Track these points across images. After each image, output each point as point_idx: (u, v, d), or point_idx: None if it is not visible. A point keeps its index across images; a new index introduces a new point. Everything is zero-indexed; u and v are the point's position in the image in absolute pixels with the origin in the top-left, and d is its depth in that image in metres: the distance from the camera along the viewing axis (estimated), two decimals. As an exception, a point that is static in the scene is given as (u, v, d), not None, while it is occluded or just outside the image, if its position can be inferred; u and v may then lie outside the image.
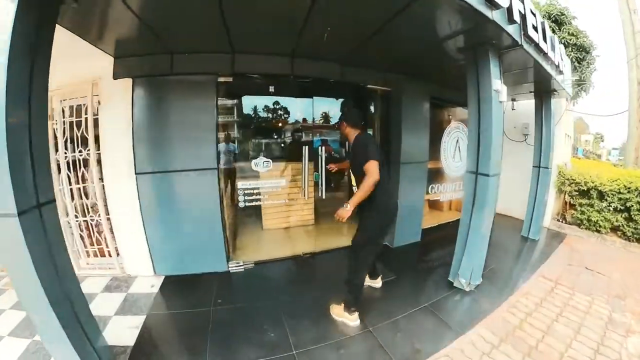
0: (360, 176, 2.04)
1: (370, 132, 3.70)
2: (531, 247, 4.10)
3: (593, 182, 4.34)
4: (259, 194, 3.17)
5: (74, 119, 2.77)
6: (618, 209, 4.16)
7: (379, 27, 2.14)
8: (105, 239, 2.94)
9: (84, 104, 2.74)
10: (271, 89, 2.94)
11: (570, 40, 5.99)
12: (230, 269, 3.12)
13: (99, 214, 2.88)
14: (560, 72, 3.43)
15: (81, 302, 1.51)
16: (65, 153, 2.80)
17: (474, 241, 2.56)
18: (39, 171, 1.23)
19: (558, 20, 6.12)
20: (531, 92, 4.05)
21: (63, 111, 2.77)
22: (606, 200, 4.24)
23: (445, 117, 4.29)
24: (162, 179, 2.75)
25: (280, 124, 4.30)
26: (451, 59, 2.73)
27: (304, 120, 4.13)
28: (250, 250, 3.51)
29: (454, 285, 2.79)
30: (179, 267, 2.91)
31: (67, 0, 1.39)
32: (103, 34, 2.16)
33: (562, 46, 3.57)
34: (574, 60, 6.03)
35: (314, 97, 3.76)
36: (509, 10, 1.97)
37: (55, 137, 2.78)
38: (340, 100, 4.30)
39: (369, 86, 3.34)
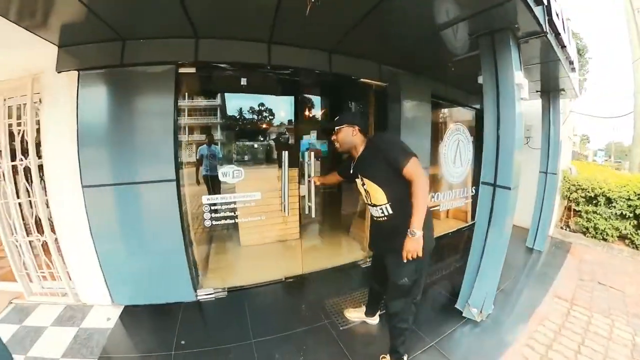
0: (393, 187, 1.52)
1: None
2: (538, 259, 3.78)
3: (601, 188, 4.04)
4: (230, 210, 2.61)
5: (14, 121, 2.32)
6: (627, 216, 3.88)
7: (375, 4, 1.68)
8: (53, 262, 2.45)
9: (24, 104, 2.26)
10: (243, 82, 2.41)
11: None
12: (199, 297, 2.61)
13: (44, 234, 2.39)
14: (573, 69, 3.08)
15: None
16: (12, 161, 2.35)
17: (489, 265, 2.14)
18: None
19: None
20: (537, 91, 3.70)
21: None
22: (614, 207, 3.95)
23: (446, 117, 3.89)
24: (112, 193, 2.25)
25: (255, 126, 3.74)
26: (461, 48, 2.30)
27: (289, 122, 3.63)
28: (225, 274, 2.99)
29: (463, 314, 2.37)
30: (139, 295, 2.44)
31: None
32: (46, 18, 1.72)
33: (573, 41, 3.22)
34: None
35: (296, 94, 3.22)
36: (537, -15, 1.55)
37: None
38: (326, 97, 3.82)
39: (362, 80, 2.85)
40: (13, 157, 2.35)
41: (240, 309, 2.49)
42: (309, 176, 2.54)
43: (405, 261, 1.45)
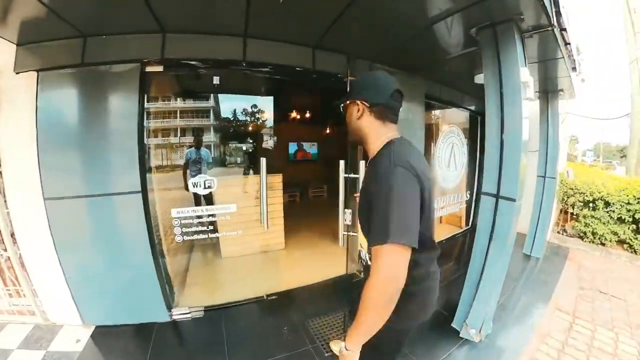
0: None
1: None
2: (536, 267, 3.63)
3: (599, 192, 3.90)
4: (204, 224, 2.34)
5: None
6: (625, 220, 3.75)
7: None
8: (17, 278, 2.22)
9: (-18, 108, 2.00)
10: (215, 80, 2.15)
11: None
12: (174, 317, 2.35)
13: (5, 248, 2.16)
14: (574, 69, 2.90)
15: None
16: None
17: (490, 283, 1.93)
18: None
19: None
20: (535, 92, 3.52)
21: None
22: (613, 211, 3.81)
23: (440, 119, 3.70)
24: (75, 205, 2.02)
25: (232, 129, 3.46)
26: (456, 45, 2.09)
27: (268, 125, 3.38)
28: (203, 290, 2.73)
29: (461, 335, 2.16)
30: (111, 315, 2.23)
31: None
32: (4, 15, 1.54)
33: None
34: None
35: (276, 94, 2.96)
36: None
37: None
38: (310, 97, 3.54)
39: (350, 79, 2.57)
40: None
41: (217, 331, 2.25)
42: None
43: None
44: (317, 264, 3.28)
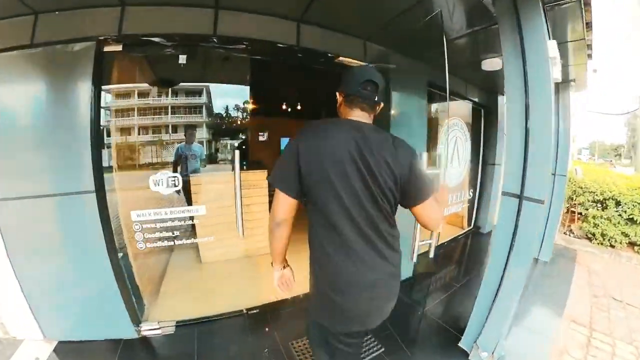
0: None
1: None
2: (546, 272, 3.36)
3: (611, 192, 3.64)
4: (171, 229, 2.00)
5: None
6: (637, 221, 3.50)
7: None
8: None
9: None
10: (182, 60, 1.80)
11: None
12: (143, 332, 2.03)
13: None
14: (590, 56, 2.62)
15: None
16: None
17: (508, 298, 1.64)
18: None
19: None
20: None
21: None
22: (624, 211, 3.56)
23: (441, 112, 3.39)
24: (28, 207, 1.73)
25: (202, 119, 3.10)
26: (467, 18, 1.78)
27: (243, 114, 3.03)
28: (177, 302, 2.41)
29: (470, 357, 1.87)
30: (74, 330, 1.96)
31: None
32: None
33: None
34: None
35: (253, 75, 2.57)
36: None
37: None
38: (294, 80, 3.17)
39: (340, 60, 2.21)
40: None
41: (189, 351, 1.92)
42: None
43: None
44: (305, 272, 2.96)
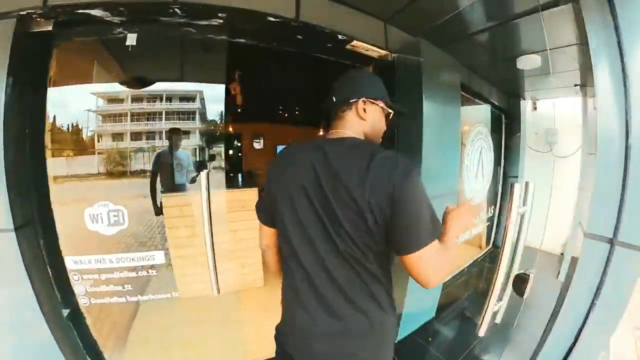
0: None
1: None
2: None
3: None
4: (124, 281, 1.47)
5: None
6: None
7: None
8: None
9: None
10: (130, 40, 1.31)
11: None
12: None
13: None
14: None
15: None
16: None
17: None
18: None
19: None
20: (577, 85, 2.86)
21: None
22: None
23: (469, 117, 2.99)
24: None
25: (158, 126, 2.45)
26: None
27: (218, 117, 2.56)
28: (148, 353, 1.92)
29: None
30: None
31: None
32: None
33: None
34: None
35: (230, 61, 1.93)
36: None
37: None
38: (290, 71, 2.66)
39: (355, 45, 1.66)
40: None
41: None
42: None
43: None
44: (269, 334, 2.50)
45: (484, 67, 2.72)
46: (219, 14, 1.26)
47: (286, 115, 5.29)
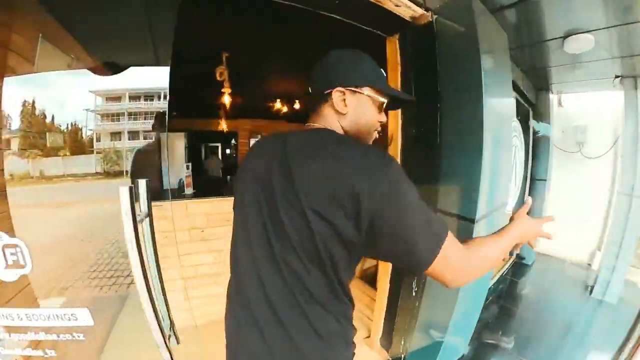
0: None
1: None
2: (618, 323, 2.57)
3: None
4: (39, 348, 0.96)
5: None
6: None
7: None
8: None
9: None
10: None
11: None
12: None
13: None
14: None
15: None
16: None
17: None
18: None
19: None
20: (618, 76, 2.54)
21: None
22: None
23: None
24: None
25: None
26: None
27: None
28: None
29: None
30: None
31: None
32: None
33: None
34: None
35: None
36: None
37: None
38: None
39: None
40: None
41: None
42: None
43: None
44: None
45: (520, 48, 2.32)
46: None
47: (286, 109, 4.75)
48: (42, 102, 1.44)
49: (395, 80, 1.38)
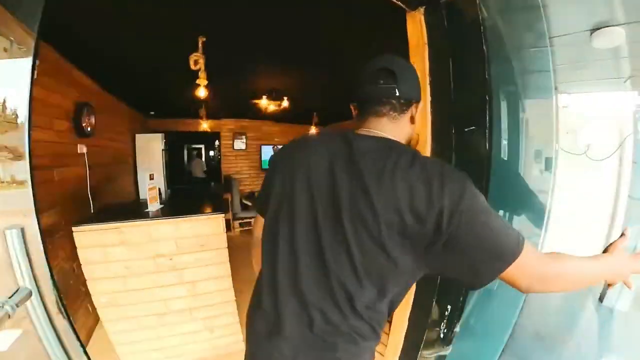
0: None
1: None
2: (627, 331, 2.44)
3: None
4: None
5: None
6: None
7: None
8: None
9: None
10: None
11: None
12: None
13: None
14: None
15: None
16: None
17: None
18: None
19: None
20: (634, 76, 2.37)
21: None
22: None
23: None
24: None
25: None
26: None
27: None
28: None
29: None
30: None
31: None
32: None
33: None
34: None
35: None
36: None
37: None
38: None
39: None
40: None
41: None
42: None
43: None
44: None
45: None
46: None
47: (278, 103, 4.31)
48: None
49: (422, 67, 1.06)
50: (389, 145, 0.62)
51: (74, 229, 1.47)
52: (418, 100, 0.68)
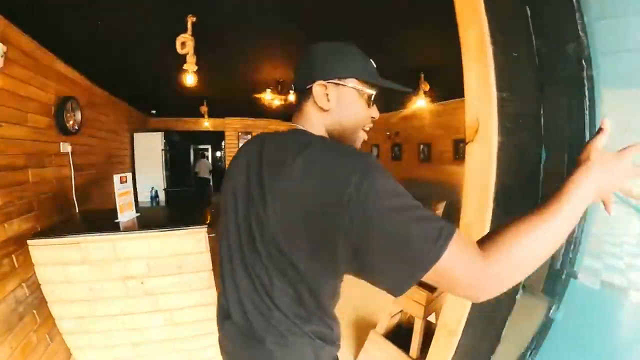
0: None
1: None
2: None
3: None
4: None
5: None
6: None
7: None
8: None
9: None
10: None
11: None
12: None
13: None
14: None
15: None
16: None
17: None
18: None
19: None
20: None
21: None
22: None
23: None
24: None
25: None
26: None
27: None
28: None
29: None
30: None
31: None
32: None
33: None
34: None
35: None
36: None
37: None
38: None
39: None
40: None
41: None
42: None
43: None
44: None
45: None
46: None
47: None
48: None
49: (481, 47, 0.71)
50: (293, 137, 0.60)
51: (29, 242, 1.21)
52: (315, 80, 0.60)
